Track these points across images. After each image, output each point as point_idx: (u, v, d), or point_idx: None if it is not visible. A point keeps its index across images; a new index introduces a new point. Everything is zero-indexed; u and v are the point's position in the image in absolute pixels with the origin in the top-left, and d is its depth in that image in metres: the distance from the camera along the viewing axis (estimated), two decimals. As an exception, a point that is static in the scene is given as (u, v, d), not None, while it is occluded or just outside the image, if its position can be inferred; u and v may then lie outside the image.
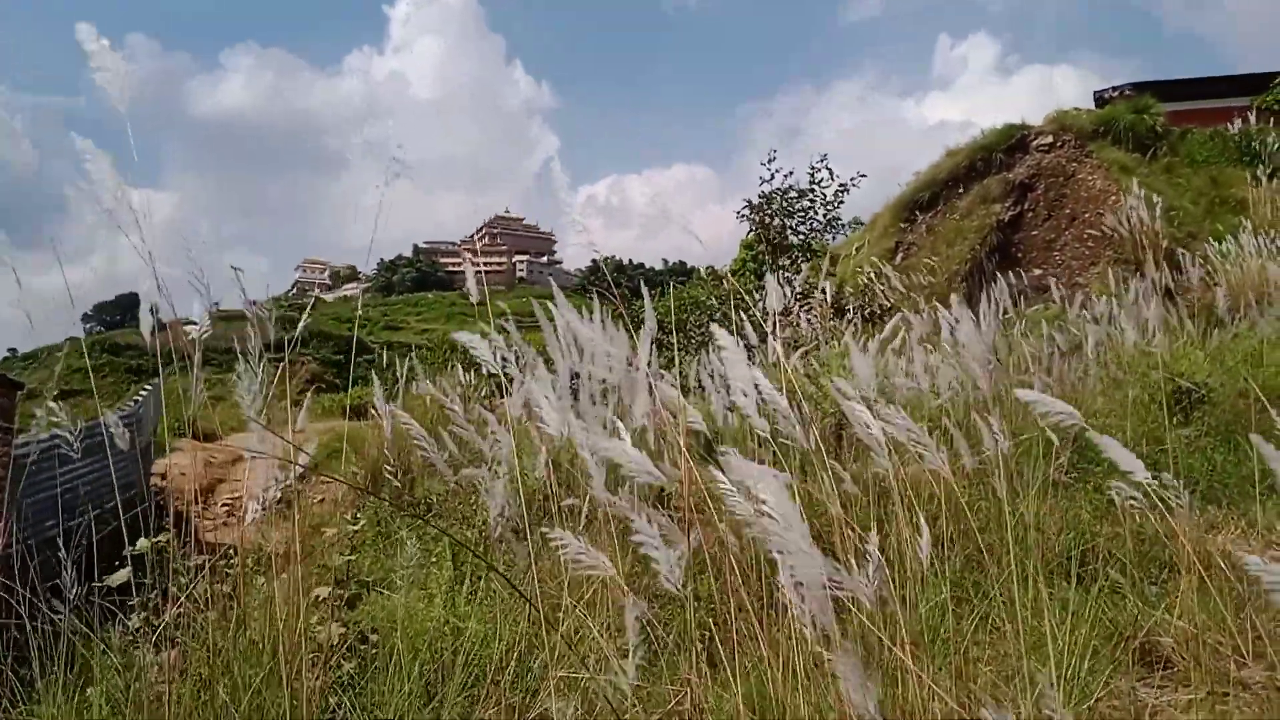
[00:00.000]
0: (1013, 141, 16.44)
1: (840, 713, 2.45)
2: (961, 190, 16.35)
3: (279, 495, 3.80)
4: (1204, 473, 5.18)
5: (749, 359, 5.47)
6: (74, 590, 3.45)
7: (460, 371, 10.14)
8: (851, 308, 11.30)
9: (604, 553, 2.26)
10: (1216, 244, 10.51)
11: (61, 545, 3.63)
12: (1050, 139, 16.09)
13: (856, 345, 5.44)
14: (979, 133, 17.05)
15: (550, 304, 3.57)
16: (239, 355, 3.21)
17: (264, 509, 3.82)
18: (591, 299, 3.83)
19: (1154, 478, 2.36)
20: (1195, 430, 5.81)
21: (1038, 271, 14.50)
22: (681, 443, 3.03)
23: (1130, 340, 7.50)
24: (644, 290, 3.38)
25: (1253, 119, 15.55)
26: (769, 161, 12.93)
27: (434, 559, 5.13)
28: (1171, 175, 14.92)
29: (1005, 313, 6.99)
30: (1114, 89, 18.84)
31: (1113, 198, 14.32)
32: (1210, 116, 16.73)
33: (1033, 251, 15.32)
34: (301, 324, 3.78)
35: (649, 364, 3.23)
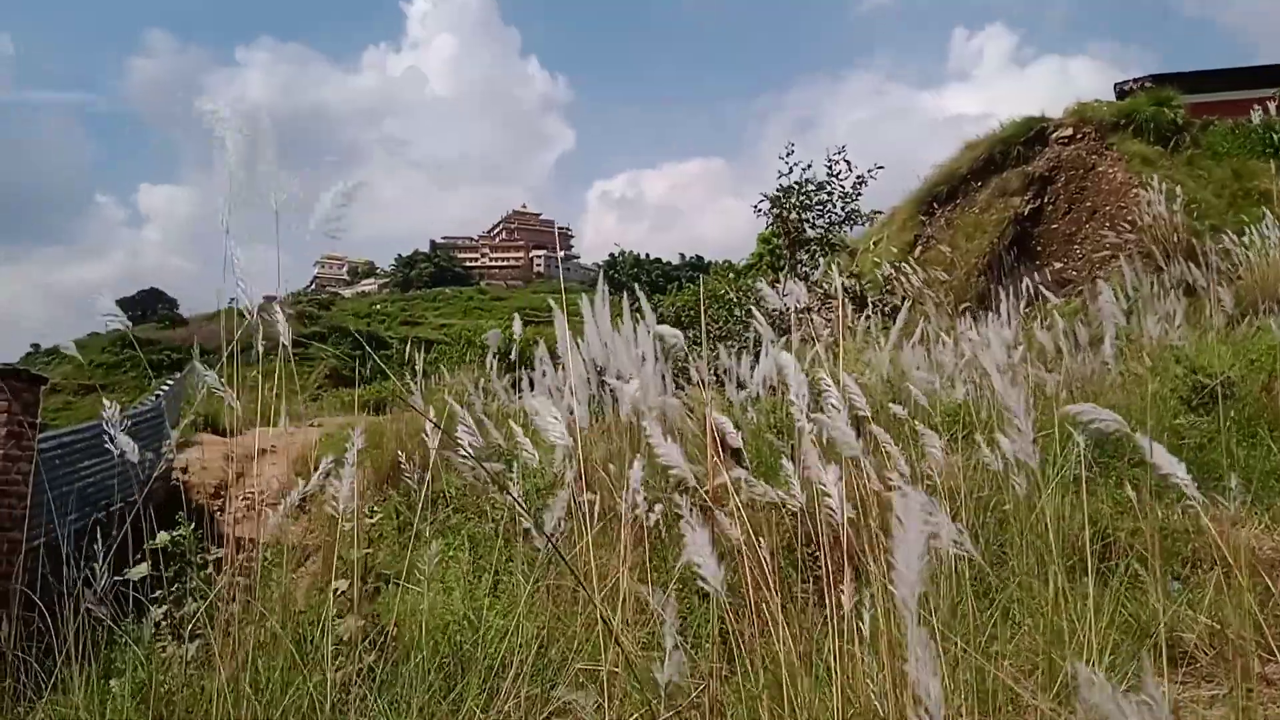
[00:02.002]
0: (1032, 134, 16.32)
1: (862, 708, 2.45)
2: (980, 183, 16.25)
3: (300, 498, 3.82)
4: (1226, 467, 5.14)
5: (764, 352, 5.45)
6: (102, 582, 3.48)
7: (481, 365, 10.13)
8: (871, 301, 11.25)
9: (619, 547, 2.26)
10: (1238, 236, 10.40)
11: (84, 538, 3.66)
12: (1070, 131, 15.97)
13: (876, 340, 5.42)
14: (997, 125, 16.97)
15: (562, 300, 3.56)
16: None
17: (285, 513, 3.83)
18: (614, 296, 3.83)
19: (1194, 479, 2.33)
20: (1217, 424, 5.76)
21: (1058, 265, 14.41)
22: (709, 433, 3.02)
23: (1152, 334, 7.44)
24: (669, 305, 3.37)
25: (1274, 110, 15.37)
26: (787, 155, 12.85)
27: (452, 552, 5.15)
28: (1193, 168, 14.77)
29: (1026, 306, 6.94)
30: (1134, 81, 18.69)
31: (1134, 191, 14.19)
32: (1232, 108, 16.55)
33: (1053, 245, 15.22)
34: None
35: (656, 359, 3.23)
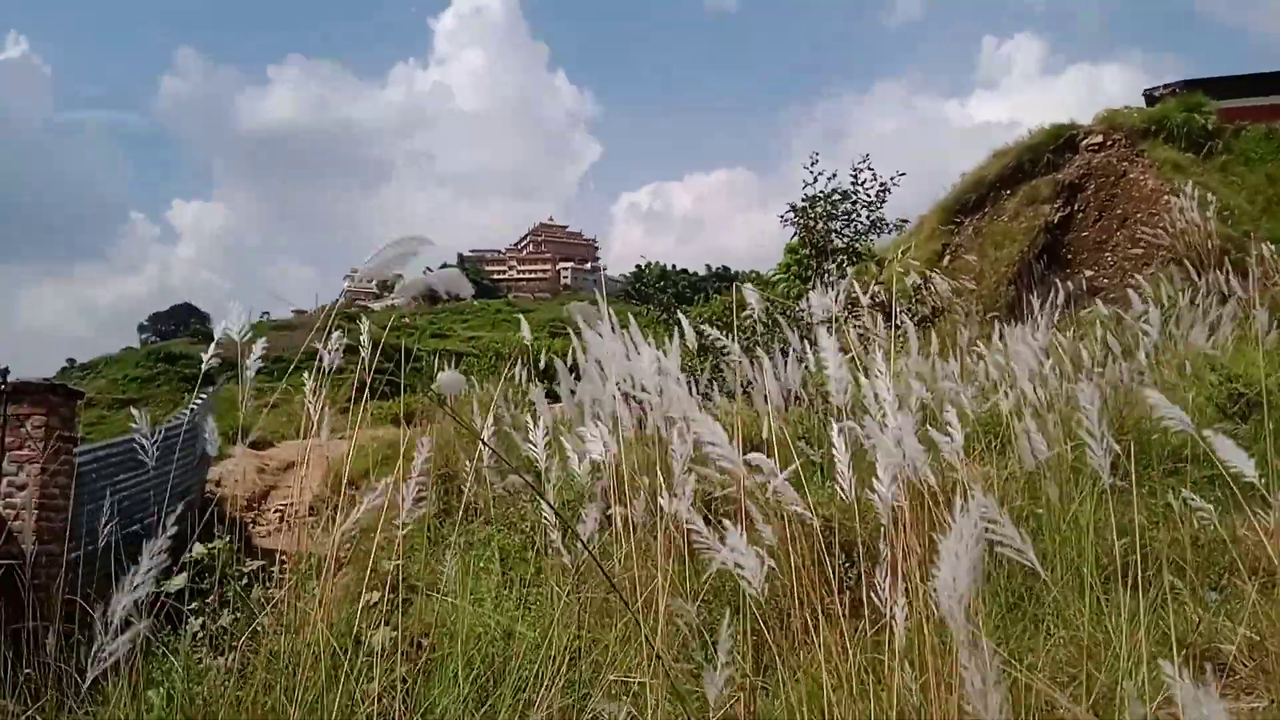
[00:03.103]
0: (1061, 141, 16.22)
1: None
2: (1009, 192, 16.15)
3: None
4: (1264, 476, 5.06)
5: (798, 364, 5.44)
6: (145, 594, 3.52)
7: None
8: (898, 311, 11.19)
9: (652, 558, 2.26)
10: (1273, 244, 10.28)
11: (121, 550, 3.71)
12: (1100, 138, 15.85)
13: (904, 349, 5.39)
14: (1026, 133, 16.88)
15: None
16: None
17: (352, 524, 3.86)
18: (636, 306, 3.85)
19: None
20: (1254, 433, 5.68)
21: (1089, 273, 14.28)
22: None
23: (1187, 342, 7.37)
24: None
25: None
26: (811, 164, 12.79)
27: (483, 564, 5.17)
28: (1225, 174, 14.62)
29: (1058, 314, 6.89)
30: (1165, 87, 18.52)
31: (1165, 197, 14.06)
32: (1264, 113, 16.36)
33: (1083, 253, 15.09)
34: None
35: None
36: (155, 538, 2.59)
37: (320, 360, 3.91)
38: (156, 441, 3.87)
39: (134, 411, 3.82)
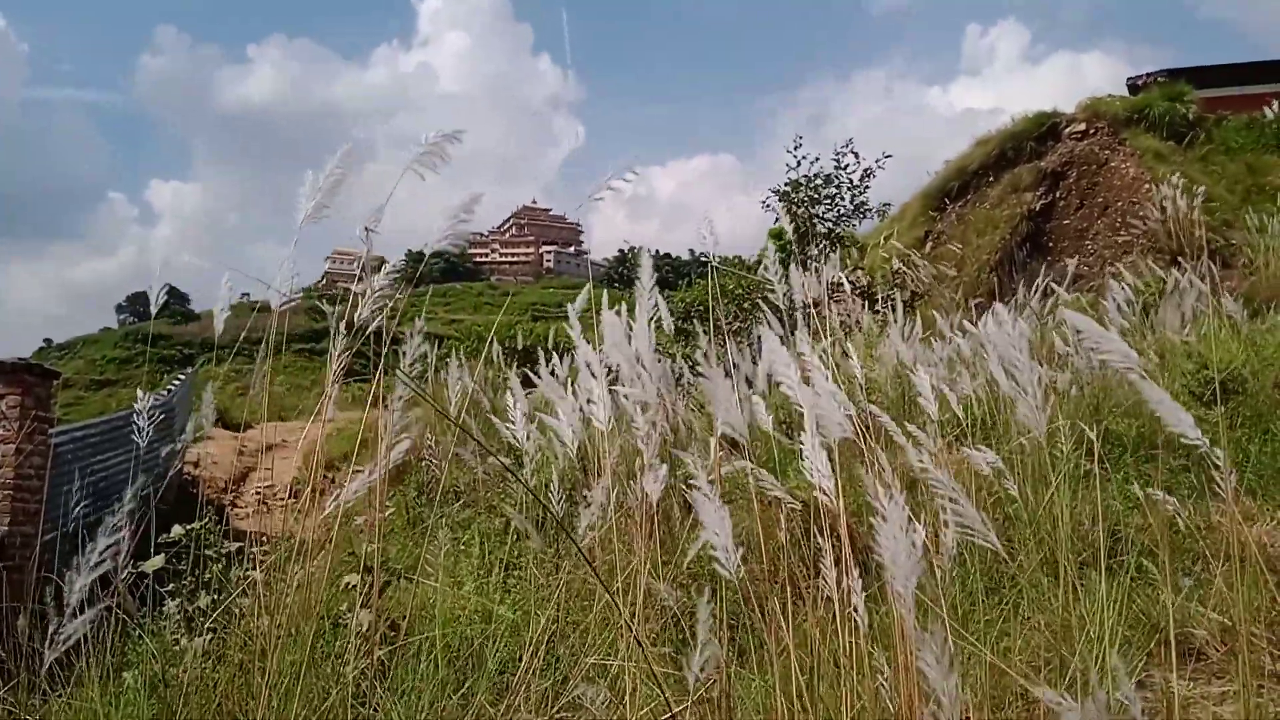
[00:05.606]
0: (1044, 129, 16.24)
1: (874, 701, 2.45)
2: (992, 179, 16.18)
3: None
4: (1238, 463, 5.11)
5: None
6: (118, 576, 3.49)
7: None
8: (881, 296, 11.21)
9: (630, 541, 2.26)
10: (1253, 230, 10.35)
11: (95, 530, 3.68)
12: (1083, 126, 15.88)
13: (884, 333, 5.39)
14: (1009, 120, 16.88)
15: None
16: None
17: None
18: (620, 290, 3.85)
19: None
20: (1229, 420, 5.73)
21: (1070, 261, 14.33)
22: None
23: (1164, 330, 7.41)
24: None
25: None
26: (795, 148, 12.73)
27: (462, 547, 5.17)
28: (1206, 163, 14.69)
29: (1039, 301, 6.90)
30: (1147, 76, 18.56)
31: (1146, 186, 14.12)
32: (1245, 103, 16.43)
33: (1064, 241, 15.14)
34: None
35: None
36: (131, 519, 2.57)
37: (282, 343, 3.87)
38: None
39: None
